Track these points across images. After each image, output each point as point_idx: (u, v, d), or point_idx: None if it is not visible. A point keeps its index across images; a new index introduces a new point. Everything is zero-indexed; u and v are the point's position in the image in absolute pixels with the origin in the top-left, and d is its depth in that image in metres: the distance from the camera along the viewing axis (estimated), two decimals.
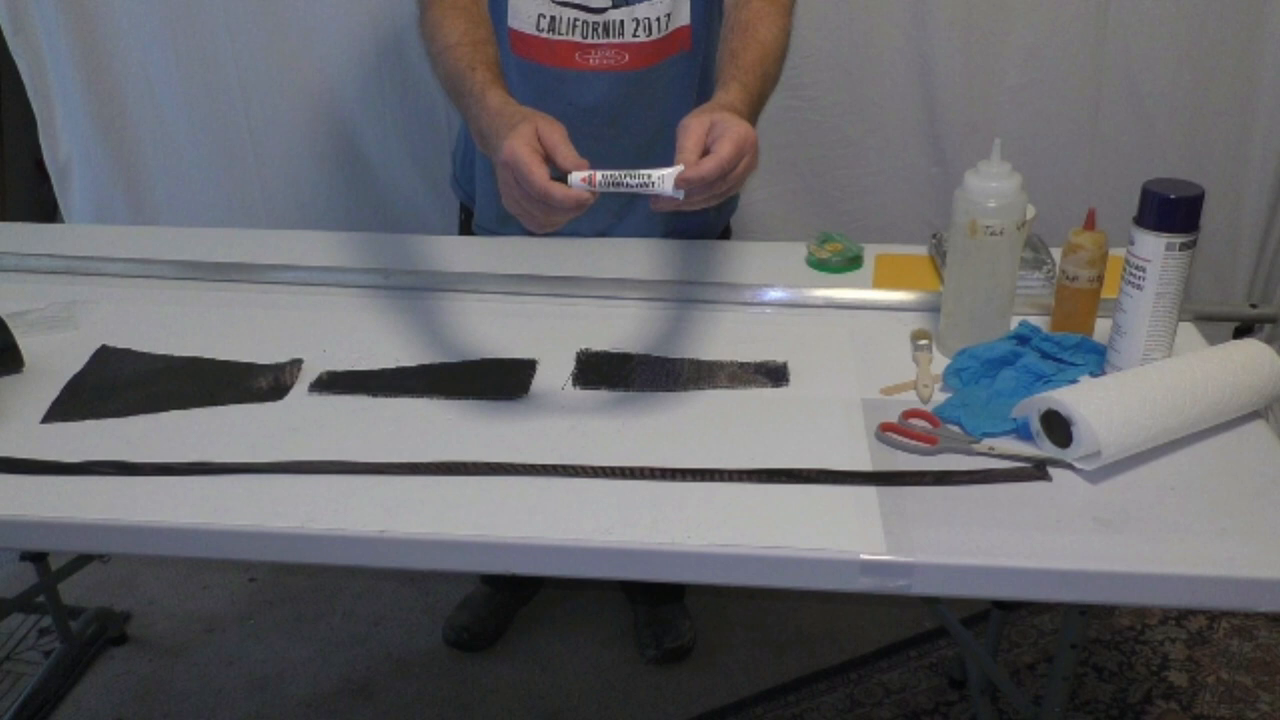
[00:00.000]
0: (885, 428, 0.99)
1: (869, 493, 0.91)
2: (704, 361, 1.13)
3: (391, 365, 1.13)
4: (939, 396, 1.06)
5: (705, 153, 0.95)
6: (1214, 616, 1.90)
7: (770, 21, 1.18)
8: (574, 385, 1.09)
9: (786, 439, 0.99)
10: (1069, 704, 1.52)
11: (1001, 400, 1.02)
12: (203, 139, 1.82)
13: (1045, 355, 1.05)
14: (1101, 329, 1.09)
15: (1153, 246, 0.98)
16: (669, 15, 1.26)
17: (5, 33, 1.77)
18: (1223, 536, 0.86)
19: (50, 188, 1.93)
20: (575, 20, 1.25)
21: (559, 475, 0.94)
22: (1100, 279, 1.08)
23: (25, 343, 1.14)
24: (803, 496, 0.91)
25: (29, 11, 1.74)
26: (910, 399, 1.06)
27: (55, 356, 1.15)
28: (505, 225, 1.40)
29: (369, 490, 0.93)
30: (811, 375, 1.10)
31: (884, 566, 0.84)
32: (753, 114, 1.08)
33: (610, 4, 1.24)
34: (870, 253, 1.36)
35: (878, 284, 1.30)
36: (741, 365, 1.12)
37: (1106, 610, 1.90)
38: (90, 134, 1.83)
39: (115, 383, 1.11)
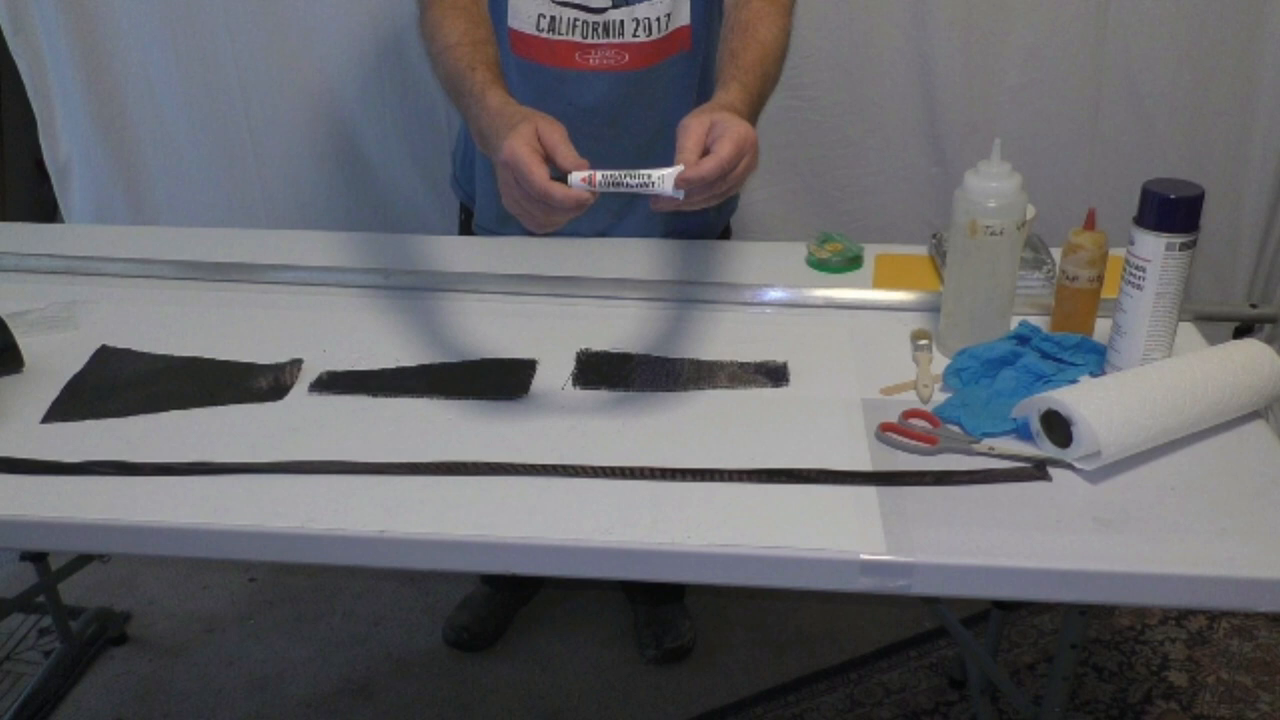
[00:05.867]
0: (885, 428, 0.99)
1: (869, 493, 0.91)
2: (704, 361, 1.13)
3: (391, 365, 1.13)
4: (939, 396, 1.06)
5: (705, 153, 0.95)
6: (1214, 616, 1.90)
7: (770, 21, 1.18)
8: (574, 385, 1.09)
9: (786, 439, 0.99)
10: (1069, 704, 1.52)
11: (1001, 400, 1.02)
12: (203, 139, 1.82)
13: (1045, 355, 1.05)
14: (1101, 329, 1.09)
15: (1153, 246, 0.98)
16: (669, 15, 1.26)
17: (5, 33, 1.77)
18: (1223, 536, 0.86)
19: (50, 188, 1.93)
20: (575, 20, 1.25)
21: (559, 475, 0.94)
22: (1100, 279, 1.08)
23: (25, 343, 1.13)
24: (803, 496, 0.91)
25: (29, 11, 1.74)
26: (910, 399, 1.06)
27: (55, 356, 1.15)
28: (505, 225, 1.41)
29: (369, 490, 0.93)
30: (811, 375, 1.10)
31: (884, 566, 0.84)
32: (753, 114, 1.08)
33: (610, 4, 1.24)
34: (870, 253, 1.36)
35: (878, 284, 1.30)
36: (741, 365, 1.12)
37: (1106, 610, 1.90)
38: (90, 134, 1.83)
39: (115, 383, 1.11)
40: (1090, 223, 1.07)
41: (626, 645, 1.90)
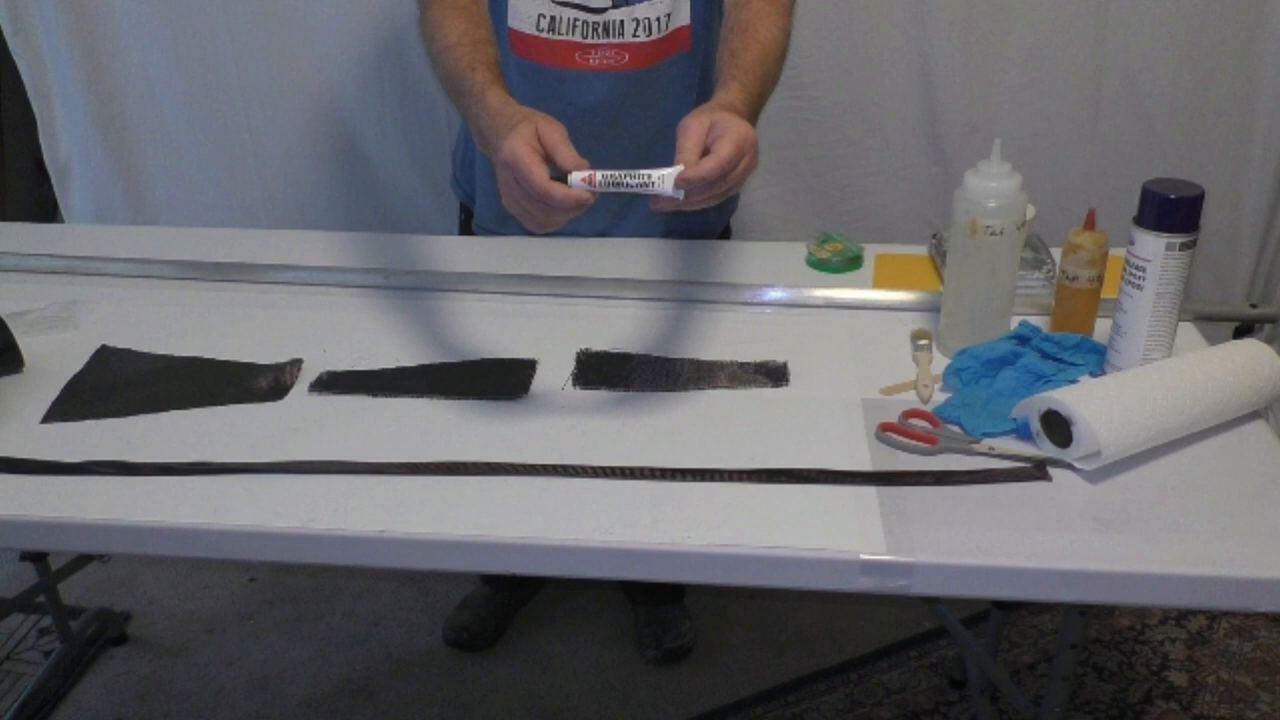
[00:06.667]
0: (885, 428, 0.99)
1: (869, 493, 0.91)
2: (704, 361, 1.13)
3: (391, 365, 1.13)
4: (939, 396, 1.06)
5: (705, 153, 0.95)
6: (1214, 616, 1.90)
7: (770, 21, 1.18)
8: (574, 385, 1.09)
9: (786, 439, 0.99)
10: (1069, 704, 1.52)
11: (1001, 400, 1.02)
12: (203, 139, 1.82)
13: (1045, 355, 1.05)
14: (1101, 329, 1.09)
15: (1153, 246, 0.98)
16: (669, 15, 1.26)
17: (5, 33, 1.77)
18: (1223, 536, 0.86)
19: (50, 188, 1.93)
20: (575, 20, 1.25)
21: (559, 475, 0.94)
22: (1100, 279, 1.08)
23: (25, 343, 1.13)
24: (803, 496, 0.91)
25: (29, 11, 1.74)
26: (910, 399, 1.06)
27: (55, 356, 1.15)
28: (505, 225, 1.41)
29: (369, 490, 0.93)
30: (811, 375, 1.10)
31: (884, 566, 0.84)
32: (753, 114, 1.08)
33: (610, 4, 1.24)
34: (870, 253, 1.36)
35: (878, 284, 1.30)
36: (741, 365, 1.12)
37: (1106, 610, 1.90)
38: (90, 134, 1.83)
39: (115, 383, 1.11)
40: (1090, 223, 1.07)
41: (626, 645, 1.90)
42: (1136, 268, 1.00)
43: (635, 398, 1.07)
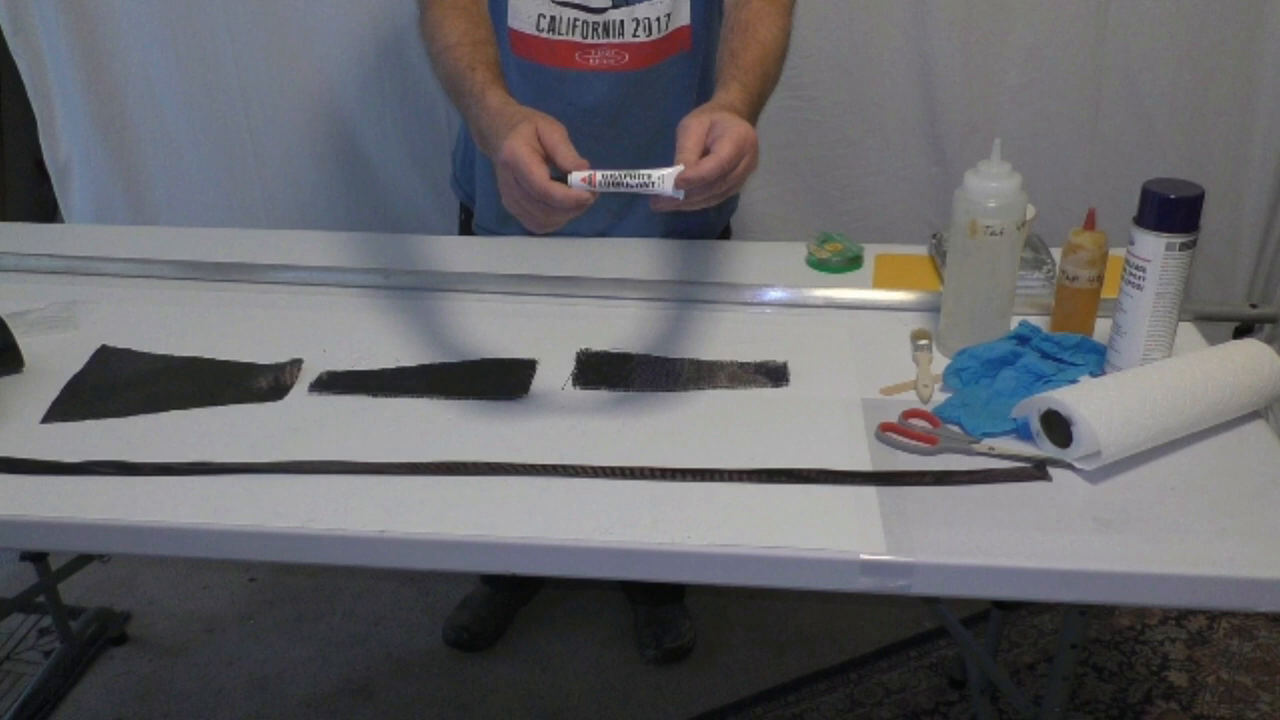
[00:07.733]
0: (885, 428, 0.99)
1: (869, 493, 0.91)
2: (704, 361, 1.13)
3: (391, 365, 1.13)
4: (939, 396, 1.06)
5: (705, 153, 0.95)
6: (1214, 616, 1.90)
7: (770, 21, 1.18)
8: (574, 385, 1.09)
9: (786, 439, 0.99)
10: (1069, 704, 1.52)
11: (1001, 400, 1.02)
12: (203, 139, 1.82)
13: (1045, 355, 1.05)
14: (1101, 329, 1.09)
15: (1153, 246, 0.98)
16: (669, 15, 1.26)
17: (5, 33, 1.77)
18: (1223, 536, 0.86)
19: (50, 188, 1.93)
20: (575, 20, 1.25)
21: (559, 475, 0.94)
22: (1100, 279, 1.08)
23: (25, 343, 1.14)
24: (803, 496, 0.91)
25: (29, 11, 1.74)
26: (910, 399, 1.06)
27: (55, 356, 1.15)
28: (505, 225, 1.41)
29: (369, 490, 0.93)
30: (811, 375, 1.10)
31: (884, 566, 0.84)
32: (753, 114, 1.08)
33: (610, 4, 1.24)
34: (870, 253, 1.36)
35: (878, 284, 1.30)
36: (741, 365, 1.12)
37: (1106, 610, 1.90)
38: (90, 134, 1.83)
39: (115, 383, 1.11)
40: (1090, 223, 1.07)
41: (626, 645, 1.90)
42: (1136, 268, 1.00)
43: (635, 398, 1.07)
